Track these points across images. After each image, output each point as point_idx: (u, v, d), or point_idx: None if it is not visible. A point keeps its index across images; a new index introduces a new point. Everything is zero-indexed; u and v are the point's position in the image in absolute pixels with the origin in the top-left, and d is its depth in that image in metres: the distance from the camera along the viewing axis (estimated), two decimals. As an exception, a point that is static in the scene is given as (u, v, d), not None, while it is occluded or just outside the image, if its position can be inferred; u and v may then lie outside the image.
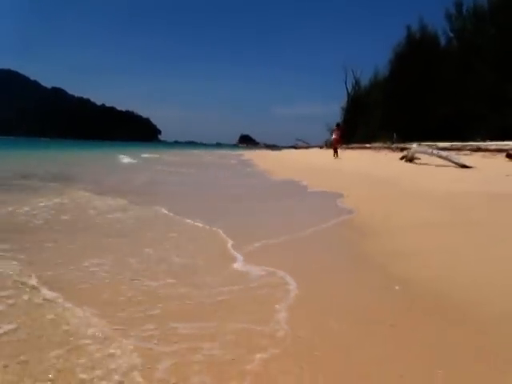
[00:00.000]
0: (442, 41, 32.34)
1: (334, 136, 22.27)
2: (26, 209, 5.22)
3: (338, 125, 24.03)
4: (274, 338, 1.99)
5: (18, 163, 16.48)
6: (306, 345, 1.94)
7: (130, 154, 26.27)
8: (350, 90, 49.55)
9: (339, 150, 21.32)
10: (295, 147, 52.58)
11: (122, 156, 23.97)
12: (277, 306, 2.38)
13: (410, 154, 14.98)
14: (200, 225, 4.60)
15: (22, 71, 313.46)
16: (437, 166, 12.52)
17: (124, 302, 2.39)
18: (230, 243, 3.79)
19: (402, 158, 15.48)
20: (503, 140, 16.27)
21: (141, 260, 3.23)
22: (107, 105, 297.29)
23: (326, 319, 2.23)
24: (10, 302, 2.31)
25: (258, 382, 1.65)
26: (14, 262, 3.02)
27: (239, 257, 3.35)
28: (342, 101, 50.50)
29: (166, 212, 5.38)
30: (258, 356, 1.82)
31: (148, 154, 30.47)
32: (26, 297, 2.39)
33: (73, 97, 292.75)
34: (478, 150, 16.39)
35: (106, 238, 4.02)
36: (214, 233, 4.25)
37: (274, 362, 1.78)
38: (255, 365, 1.76)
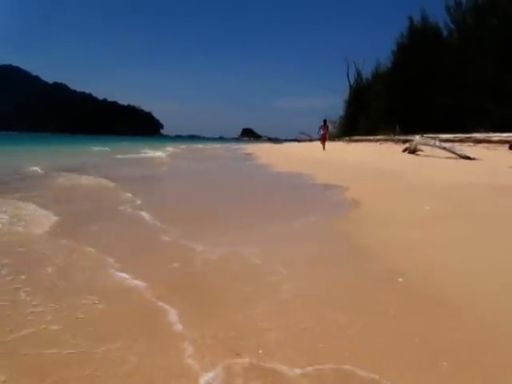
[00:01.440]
0: (444, 32, 32.10)
1: (322, 132, 24.90)
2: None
3: (324, 121, 26.05)
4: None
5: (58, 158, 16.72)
6: (310, 336, 1.95)
7: (153, 149, 27.94)
8: (352, 83, 49.17)
9: (326, 143, 24.13)
10: (298, 140, 52.44)
11: (148, 151, 25.18)
12: (278, 296, 2.39)
13: (412, 146, 14.93)
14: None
15: (23, 66, 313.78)
16: (440, 157, 12.49)
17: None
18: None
19: (404, 150, 15.42)
20: (505, 131, 16.18)
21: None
22: (109, 99, 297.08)
23: (328, 310, 2.23)
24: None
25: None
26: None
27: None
28: (344, 93, 50.12)
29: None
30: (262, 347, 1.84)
31: (172, 148, 31.56)
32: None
33: (74, 92, 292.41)
34: (481, 141, 16.33)
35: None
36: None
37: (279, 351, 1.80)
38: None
